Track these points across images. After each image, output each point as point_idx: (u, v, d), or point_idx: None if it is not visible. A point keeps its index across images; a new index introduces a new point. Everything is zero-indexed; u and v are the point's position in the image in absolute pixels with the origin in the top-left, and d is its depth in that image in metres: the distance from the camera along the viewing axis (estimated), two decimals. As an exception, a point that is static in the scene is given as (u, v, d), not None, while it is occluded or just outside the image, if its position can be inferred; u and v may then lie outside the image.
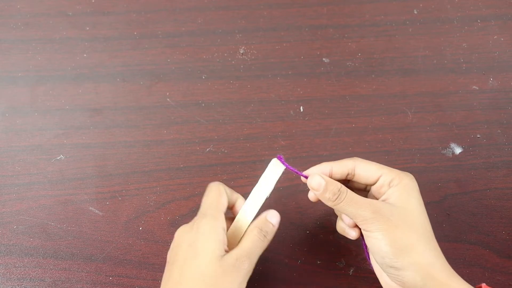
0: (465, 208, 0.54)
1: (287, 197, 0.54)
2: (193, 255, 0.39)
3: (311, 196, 0.44)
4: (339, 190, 0.41)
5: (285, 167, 0.44)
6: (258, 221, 0.43)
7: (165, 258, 0.53)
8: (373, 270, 0.45)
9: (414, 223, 0.40)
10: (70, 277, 0.51)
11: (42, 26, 0.62)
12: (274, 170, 0.44)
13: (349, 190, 0.41)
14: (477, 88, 0.60)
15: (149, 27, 0.62)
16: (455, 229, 0.53)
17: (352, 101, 0.59)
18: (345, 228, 0.44)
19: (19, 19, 0.62)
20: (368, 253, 0.45)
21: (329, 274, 0.51)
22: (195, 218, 0.42)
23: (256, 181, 0.44)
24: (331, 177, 0.43)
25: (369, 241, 0.40)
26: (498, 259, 0.52)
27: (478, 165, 0.56)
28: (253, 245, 0.41)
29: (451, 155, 0.57)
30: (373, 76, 0.61)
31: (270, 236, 0.42)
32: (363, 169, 0.43)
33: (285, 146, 0.57)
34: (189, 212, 0.54)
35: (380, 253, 0.39)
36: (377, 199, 0.43)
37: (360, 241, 0.45)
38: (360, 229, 0.43)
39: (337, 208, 0.41)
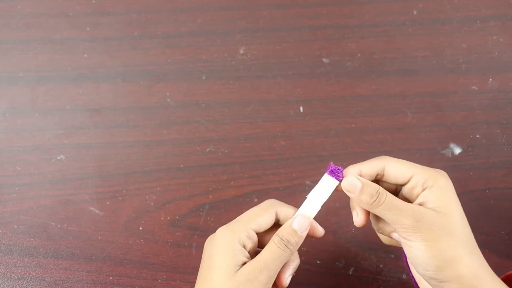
0: (464, 208, 0.54)
1: (287, 197, 0.54)
2: (208, 268, 0.38)
3: (358, 220, 0.40)
4: (377, 192, 0.38)
5: (338, 182, 0.39)
6: (281, 228, 0.39)
7: (165, 258, 0.53)
8: (413, 278, 0.42)
9: (457, 231, 0.37)
10: (70, 276, 0.51)
11: (43, 27, 0.62)
12: (326, 185, 0.40)
13: (388, 193, 0.38)
14: (476, 88, 0.60)
15: (149, 27, 0.63)
16: (455, 229, 0.53)
17: (352, 101, 0.59)
18: (355, 207, 0.41)
19: (20, 19, 0.63)
20: (407, 261, 0.42)
21: (329, 274, 0.51)
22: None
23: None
24: None
25: (410, 251, 0.37)
26: (497, 259, 0.52)
27: (478, 165, 0.56)
28: (272, 255, 0.38)
29: (450, 155, 0.57)
30: (372, 76, 0.61)
31: (293, 246, 0.39)
32: (393, 169, 0.39)
33: (285, 146, 0.57)
34: (189, 212, 0.54)
35: (422, 265, 0.37)
36: (410, 201, 0.39)
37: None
38: None
39: (375, 211, 0.38)
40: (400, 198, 0.40)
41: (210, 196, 0.55)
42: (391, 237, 0.41)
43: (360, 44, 0.62)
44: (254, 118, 0.58)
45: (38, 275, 0.51)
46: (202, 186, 0.55)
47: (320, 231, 0.41)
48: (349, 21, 0.63)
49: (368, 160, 0.41)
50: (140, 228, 0.53)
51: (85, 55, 0.61)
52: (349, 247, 0.52)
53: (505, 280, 0.39)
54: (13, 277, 0.51)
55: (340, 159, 0.43)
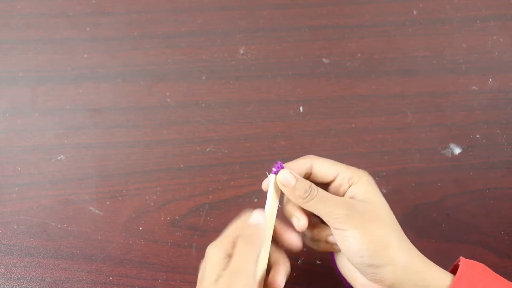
0: (464, 208, 0.54)
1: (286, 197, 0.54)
2: (200, 283, 0.39)
3: (301, 224, 0.41)
4: (310, 187, 0.40)
5: (275, 176, 0.41)
6: (242, 230, 0.40)
7: (165, 258, 0.53)
8: (342, 276, 0.43)
9: (386, 218, 0.40)
10: (70, 277, 0.51)
11: (43, 27, 0.62)
12: (271, 181, 0.41)
13: (319, 188, 0.40)
14: (476, 88, 0.60)
15: (149, 27, 0.63)
16: (455, 229, 0.53)
17: (352, 101, 0.59)
18: (294, 213, 0.42)
19: (20, 19, 0.63)
20: (334, 260, 0.44)
21: (329, 274, 0.51)
22: None
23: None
24: None
25: (344, 241, 0.39)
26: (497, 259, 0.52)
27: (478, 165, 0.56)
28: (240, 258, 0.38)
29: (450, 155, 0.57)
30: (372, 76, 0.61)
31: (256, 240, 0.39)
32: (320, 168, 0.42)
33: (285, 146, 0.57)
34: (189, 212, 0.54)
35: (359, 252, 0.38)
36: None
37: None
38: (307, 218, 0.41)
39: (308, 206, 0.40)
40: None
41: (210, 196, 0.55)
42: (328, 241, 0.42)
43: (360, 44, 0.62)
44: (254, 118, 0.58)
45: (38, 275, 0.51)
46: (202, 186, 0.55)
47: (295, 242, 0.41)
48: (349, 21, 0.64)
49: (296, 160, 0.42)
50: (140, 228, 0.53)
51: (85, 55, 0.61)
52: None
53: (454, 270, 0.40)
54: (13, 277, 0.51)
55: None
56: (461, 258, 0.40)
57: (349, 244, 0.38)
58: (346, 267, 0.43)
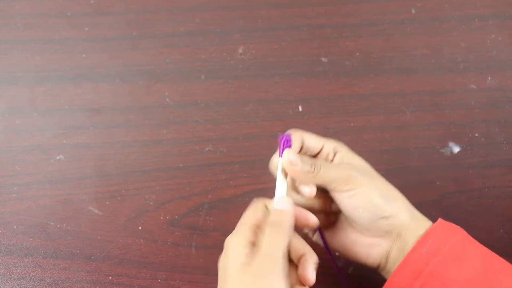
0: (463, 206, 0.54)
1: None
2: (223, 277, 0.37)
3: (307, 191, 0.41)
4: (311, 160, 0.41)
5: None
6: (270, 216, 0.39)
7: (165, 257, 0.53)
8: (331, 255, 0.44)
9: (376, 176, 0.42)
10: (69, 276, 0.51)
11: (42, 27, 0.62)
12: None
13: (318, 159, 0.42)
14: (475, 87, 0.60)
15: (148, 27, 0.63)
16: (454, 227, 0.53)
17: (351, 100, 0.59)
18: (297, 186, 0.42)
19: (19, 19, 0.63)
20: (323, 237, 0.44)
21: (329, 274, 0.51)
22: None
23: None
24: None
25: (354, 201, 0.40)
26: (496, 257, 0.52)
27: (476, 164, 0.56)
28: (270, 243, 0.37)
29: (449, 153, 0.57)
30: (371, 75, 0.61)
31: (284, 225, 0.38)
32: (309, 141, 0.43)
33: (284, 146, 0.57)
34: (188, 211, 0.54)
35: (371, 207, 0.40)
36: None
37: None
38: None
39: (316, 179, 0.40)
40: None
41: (209, 196, 0.55)
42: (329, 211, 0.44)
43: (359, 43, 0.62)
44: (252, 117, 0.58)
45: (38, 275, 0.51)
46: (201, 186, 0.55)
47: (313, 220, 0.41)
48: (348, 20, 0.64)
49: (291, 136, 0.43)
50: (139, 228, 0.53)
51: (84, 55, 0.61)
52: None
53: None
54: (13, 277, 0.51)
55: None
56: (440, 219, 0.42)
57: (359, 202, 0.40)
58: (340, 239, 0.43)
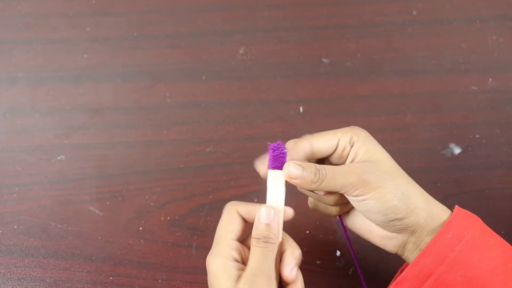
0: (464, 208, 0.54)
1: (287, 196, 0.54)
2: None
3: (332, 199, 0.41)
4: (317, 169, 0.38)
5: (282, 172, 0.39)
6: (253, 229, 0.38)
7: (165, 258, 0.53)
8: (348, 237, 0.44)
9: (396, 171, 0.40)
10: (70, 277, 0.51)
11: (43, 27, 0.62)
12: (275, 176, 0.39)
13: (323, 165, 0.39)
14: (476, 88, 0.60)
15: (149, 28, 0.63)
16: (454, 229, 0.53)
17: (352, 101, 0.59)
18: (326, 207, 0.42)
19: (20, 19, 0.63)
20: (342, 221, 0.44)
21: (329, 274, 0.51)
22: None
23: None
24: None
25: (365, 205, 0.38)
26: (497, 259, 0.52)
27: (477, 165, 0.56)
28: (257, 258, 0.37)
29: (450, 155, 0.57)
30: (372, 76, 0.61)
31: (273, 238, 0.37)
32: (320, 144, 0.40)
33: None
34: (189, 212, 0.54)
35: (382, 211, 0.38)
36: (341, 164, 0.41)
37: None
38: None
39: (322, 187, 0.38)
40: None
41: (210, 196, 0.55)
42: (346, 203, 0.42)
43: (360, 44, 0.62)
44: (254, 118, 0.58)
45: (38, 275, 0.51)
46: (202, 186, 0.55)
47: (288, 212, 0.40)
48: (349, 21, 0.64)
49: (294, 145, 0.40)
50: (140, 228, 0.53)
51: (85, 56, 0.61)
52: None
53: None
54: (13, 277, 0.51)
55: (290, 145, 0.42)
56: (456, 206, 0.40)
57: (371, 206, 0.38)
58: (361, 224, 0.43)
